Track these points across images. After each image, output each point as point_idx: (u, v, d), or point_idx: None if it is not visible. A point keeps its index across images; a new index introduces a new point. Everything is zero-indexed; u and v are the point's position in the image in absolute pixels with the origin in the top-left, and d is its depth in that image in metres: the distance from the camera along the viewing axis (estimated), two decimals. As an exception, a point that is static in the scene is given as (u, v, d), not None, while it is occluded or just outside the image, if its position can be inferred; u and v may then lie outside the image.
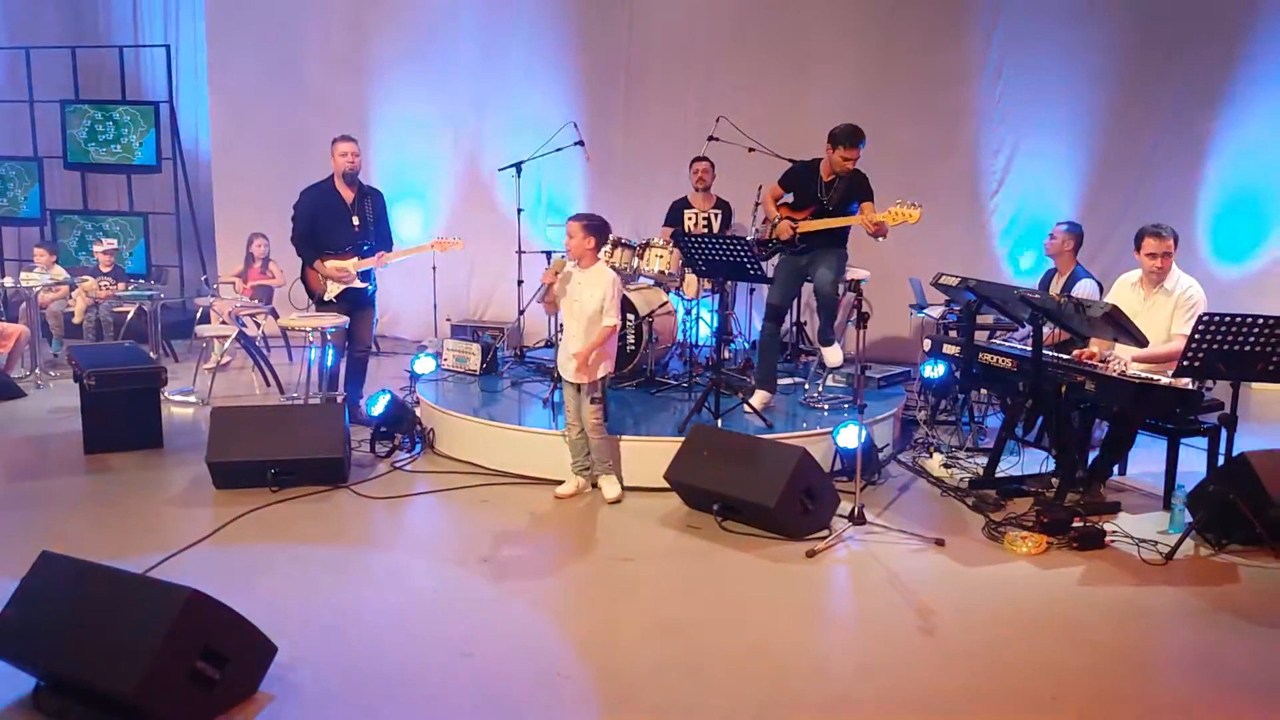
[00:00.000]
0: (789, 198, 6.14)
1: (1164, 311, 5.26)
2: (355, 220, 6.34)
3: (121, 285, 8.50)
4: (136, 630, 3.03)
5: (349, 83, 9.66)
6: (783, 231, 6.04)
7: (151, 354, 7.50)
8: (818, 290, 6.03)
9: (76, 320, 8.61)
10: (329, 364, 6.35)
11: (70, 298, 8.68)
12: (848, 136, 5.78)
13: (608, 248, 6.65)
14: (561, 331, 5.49)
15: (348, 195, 6.34)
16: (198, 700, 3.08)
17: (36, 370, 7.94)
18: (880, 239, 5.86)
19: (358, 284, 6.37)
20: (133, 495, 5.37)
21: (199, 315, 8.80)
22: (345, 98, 9.60)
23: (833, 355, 6.19)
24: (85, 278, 8.67)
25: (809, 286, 6.27)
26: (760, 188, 6.51)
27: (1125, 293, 5.47)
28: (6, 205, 10.46)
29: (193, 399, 7.39)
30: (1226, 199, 8.27)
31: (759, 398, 6.10)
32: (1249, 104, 8.07)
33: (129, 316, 8.69)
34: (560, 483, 5.40)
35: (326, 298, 6.41)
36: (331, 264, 6.31)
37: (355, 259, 6.33)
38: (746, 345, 7.71)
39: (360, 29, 9.64)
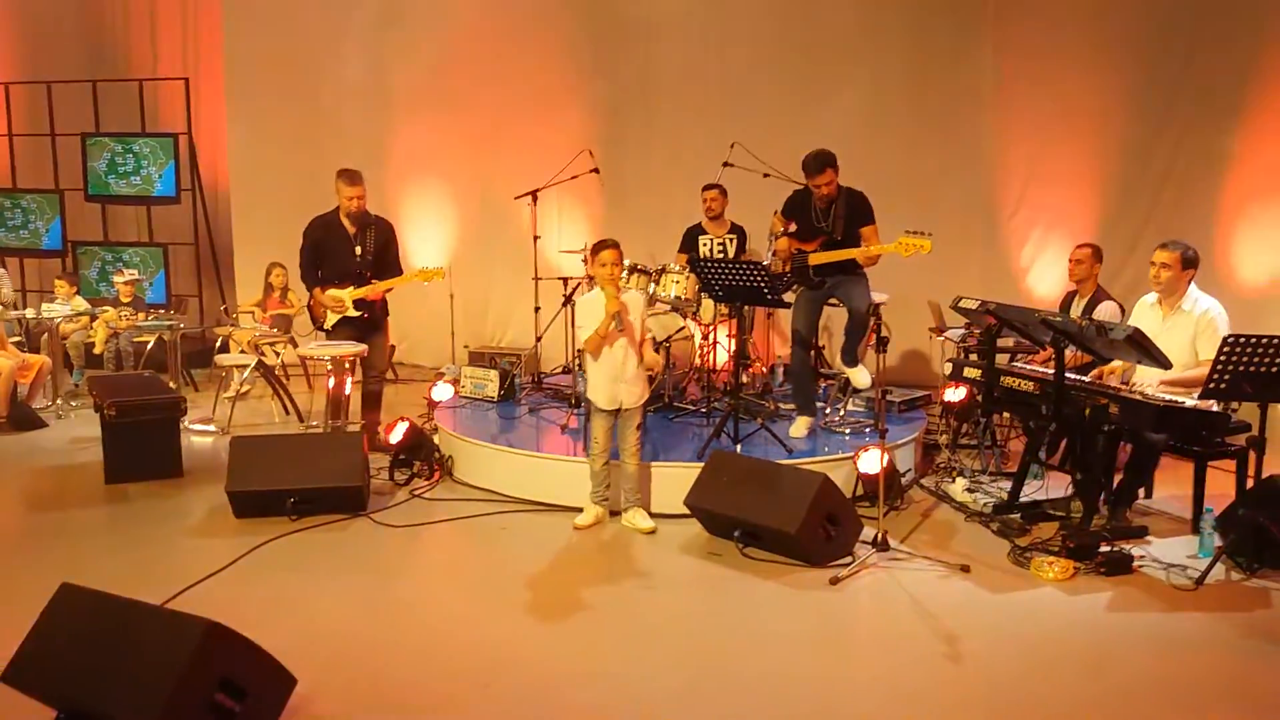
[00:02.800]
0: (793, 228, 6.10)
1: (1184, 332, 5.20)
2: (358, 250, 6.40)
3: (142, 315, 8.54)
4: (155, 662, 3.01)
5: (366, 113, 9.73)
6: (780, 248, 6.00)
7: (171, 384, 7.52)
8: (851, 312, 5.99)
9: (97, 350, 8.66)
10: (345, 391, 6.37)
11: (91, 328, 8.73)
12: (810, 165, 5.74)
13: (624, 273, 6.65)
14: (578, 361, 5.44)
15: (351, 227, 6.42)
16: (217, 733, 3.06)
17: (58, 401, 7.98)
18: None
19: (352, 313, 6.40)
20: (152, 525, 5.37)
21: (218, 345, 8.84)
22: (362, 127, 9.67)
23: (861, 377, 6.12)
24: (106, 308, 8.72)
25: (828, 310, 6.23)
26: (775, 213, 6.49)
27: (1145, 313, 5.43)
28: (28, 237, 10.56)
29: (212, 428, 7.41)
30: (1248, 215, 8.19)
31: (801, 425, 6.06)
32: (1269, 116, 8.01)
33: (149, 346, 8.73)
34: (579, 510, 5.36)
35: (325, 326, 6.49)
36: (329, 294, 6.37)
37: (351, 288, 6.37)
38: (765, 370, 7.67)
39: (377, 60, 9.73)
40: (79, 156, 10.33)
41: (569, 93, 9.37)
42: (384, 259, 6.51)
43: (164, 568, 4.69)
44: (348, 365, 6.37)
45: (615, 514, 5.40)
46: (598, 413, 5.24)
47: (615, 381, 5.18)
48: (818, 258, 5.87)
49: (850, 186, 5.86)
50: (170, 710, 2.91)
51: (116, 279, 9.25)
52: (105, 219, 10.66)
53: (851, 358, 6.15)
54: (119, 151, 10.29)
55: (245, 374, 7.82)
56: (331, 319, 6.45)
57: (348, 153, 8.81)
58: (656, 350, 6.38)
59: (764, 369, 7.68)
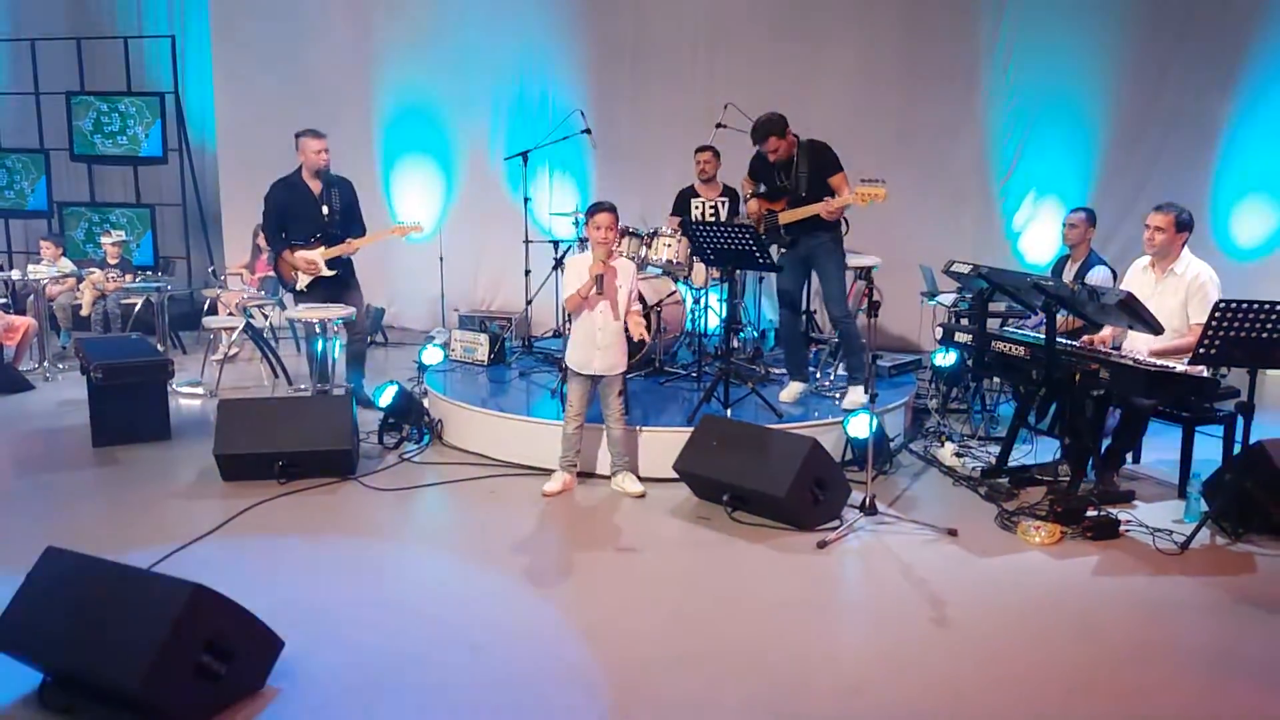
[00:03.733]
0: (763, 189, 6.05)
1: (1175, 296, 5.19)
2: (324, 210, 6.41)
3: (129, 277, 8.48)
4: (141, 625, 3.01)
5: (354, 72, 9.61)
6: (751, 210, 5.98)
7: (159, 346, 7.48)
8: (830, 316, 5.97)
9: (84, 313, 8.60)
10: (333, 354, 6.36)
11: (77, 290, 8.67)
12: (754, 135, 5.71)
13: (619, 238, 6.62)
14: (569, 324, 5.41)
15: (315, 186, 6.43)
16: (204, 694, 3.06)
17: (44, 363, 7.94)
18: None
19: (325, 273, 6.40)
20: (140, 488, 5.35)
21: (206, 307, 8.79)
22: (350, 87, 9.55)
23: (854, 396, 5.84)
24: (92, 270, 8.65)
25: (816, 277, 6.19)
26: (744, 176, 6.43)
27: (1137, 277, 5.41)
28: (13, 198, 10.45)
29: (200, 391, 7.38)
30: (1241, 182, 8.18)
31: (791, 390, 6.05)
32: (1264, 84, 7.97)
33: (136, 308, 8.68)
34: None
35: (298, 288, 6.49)
36: (300, 254, 6.36)
37: (323, 248, 6.37)
38: (755, 334, 7.65)
39: (364, 17, 9.59)
40: (64, 115, 10.20)
41: (560, 52, 9.27)
42: (349, 216, 6.54)
43: (151, 530, 4.68)
44: (335, 327, 6.35)
45: (604, 478, 5.40)
46: (574, 376, 5.24)
47: (590, 346, 5.15)
48: (785, 217, 5.84)
49: (811, 139, 5.79)
50: (157, 672, 2.92)
51: (104, 240, 9.17)
52: (91, 179, 10.55)
53: (857, 374, 5.90)
54: (104, 111, 10.17)
55: (233, 336, 7.78)
56: (303, 280, 6.45)
57: (336, 113, 8.74)
58: (646, 316, 6.36)
59: (755, 333, 7.66)
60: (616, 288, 5.13)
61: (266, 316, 8.15)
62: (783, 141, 5.69)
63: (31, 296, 8.26)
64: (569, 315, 5.40)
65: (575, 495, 5.24)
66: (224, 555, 4.43)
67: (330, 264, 6.42)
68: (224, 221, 10.07)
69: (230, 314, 8.21)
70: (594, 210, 5.12)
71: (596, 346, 5.14)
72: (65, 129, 10.22)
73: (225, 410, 5.49)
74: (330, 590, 4.09)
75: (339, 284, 6.53)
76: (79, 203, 10.43)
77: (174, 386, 6.77)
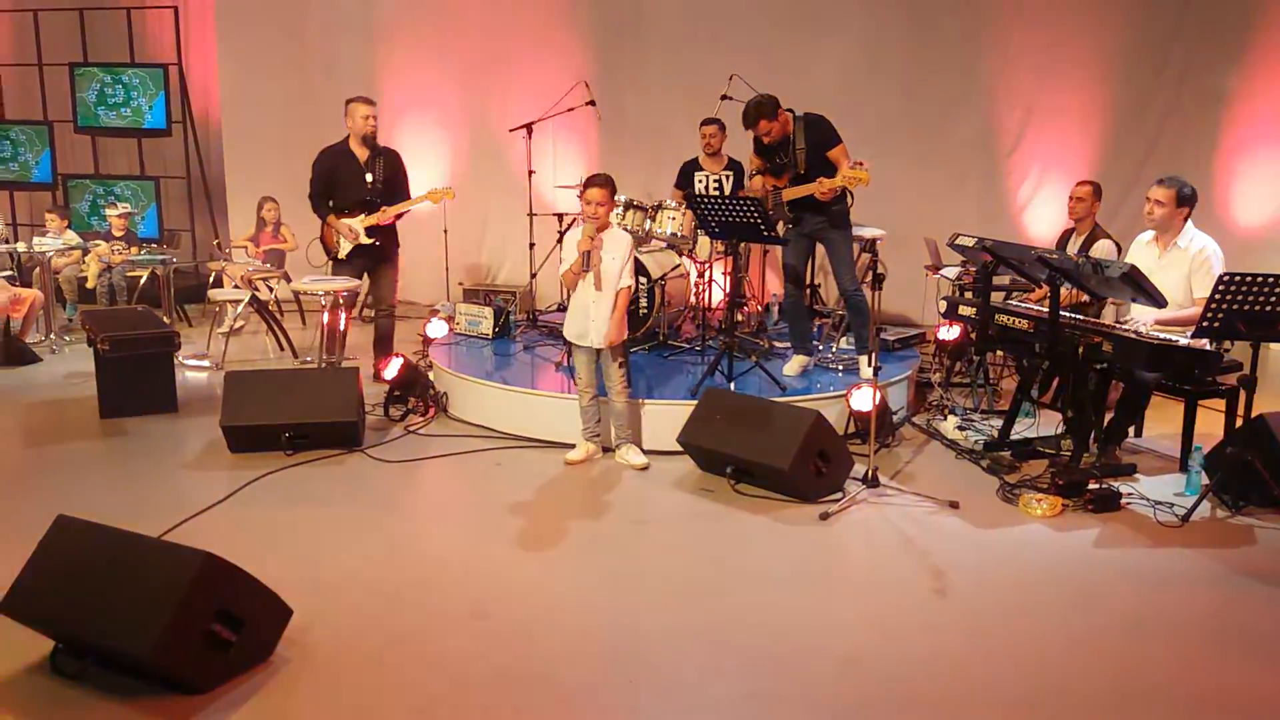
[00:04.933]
0: (764, 165, 6.03)
1: (1178, 269, 5.19)
2: (369, 177, 6.35)
3: (134, 249, 8.49)
4: (152, 593, 3.04)
5: (357, 43, 9.58)
6: (754, 187, 5.98)
7: (165, 318, 7.50)
8: (840, 291, 5.96)
9: (90, 285, 8.62)
10: (340, 326, 6.37)
11: (83, 262, 8.69)
12: (744, 121, 5.69)
13: (619, 209, 6.62)
14: (568, 297, 5.42)
15: (362, 154, 6.37)
16: (213, 662, 3.11)
17: (51, 335, 7.97)
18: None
19: (365, 240, 6.36)
20: (148, 459, 5.40)
21: (212, 279, 8.80)
22: (354, 58, 9.52)
23: (864, 369, 5.90)
24: (98, 242, 8.66)
25: (822, 250, 6.19)
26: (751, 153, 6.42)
27: (1141, 251, 5.42)
28: (18, 170, 10.44)
29: (207, 363, 7.41)
30: (1246, 155, 8.14)
31: (796, 363, 6.07)
32: (1269, 55, 7.92)
33: (142, 281, 8.70)
34: (573, 446, 5.39)
35: (340, 256, 6.46)
36: (343, 221, 6.33)
37: (363, 215, 6.33)
38: (759, 308, 7.66)
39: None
40: (67, 87, 10.18)
41: (564, 23, 9.22)
42: (394, 186, 6.47)
43: (160, 501, 4.72)
44: (342, 300, 6.36)
45: (610, 450, 5.43)
46: (575, 348, 5.28)
47: (584, 319, 5.18)
48: (787, 194, 5.85)
49: (808, 113, 5.77)
50: (168, 639, 2.96)
51: (109, 212, 9.17)
52: (96, 151, 10.54)
53: (862, 344, 6.00)
54: (108, 82, 10.14)
55: (239, 309, 7.80)
56: (345, 247, 6.42)
57: (339, 84, 8.69)
58: (651, 290, 6.37)
59: (759, 307, 7.67)
60: (609, 259, 5.11)
61: (272, 289, 8.17)
62: (774, 124, 5.67)
63: (37, 269, 8.27)
64: (567, 289, 5.41)
65: (579, 468, 5.27)
66: (232, 526, 4.47)
67: (370, 233, 6.37)
68: (229, 194, 10.06)
69: (236, 286, 8.23)
70: (587, 184, 5.12)
71: (590, 318, 5.16)
72: (69, 101, 10.20)
73: (232, 382, 5.52)
74: (337, 560, 4.14)
75: (380, 254, 6.49)
76: (84, 175, 10.43)
77: (180, 359, 6.80)
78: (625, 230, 5.98)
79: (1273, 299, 4.35)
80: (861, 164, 5.45)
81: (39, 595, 3.25)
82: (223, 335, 7.79)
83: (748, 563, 4.16)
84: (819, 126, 5.74)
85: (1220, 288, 4.39)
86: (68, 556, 3.31)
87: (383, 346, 6.66)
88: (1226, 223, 8.03)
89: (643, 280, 6.38)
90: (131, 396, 6.08)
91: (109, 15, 10.29)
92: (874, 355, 5.07)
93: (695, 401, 5.26)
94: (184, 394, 6.39)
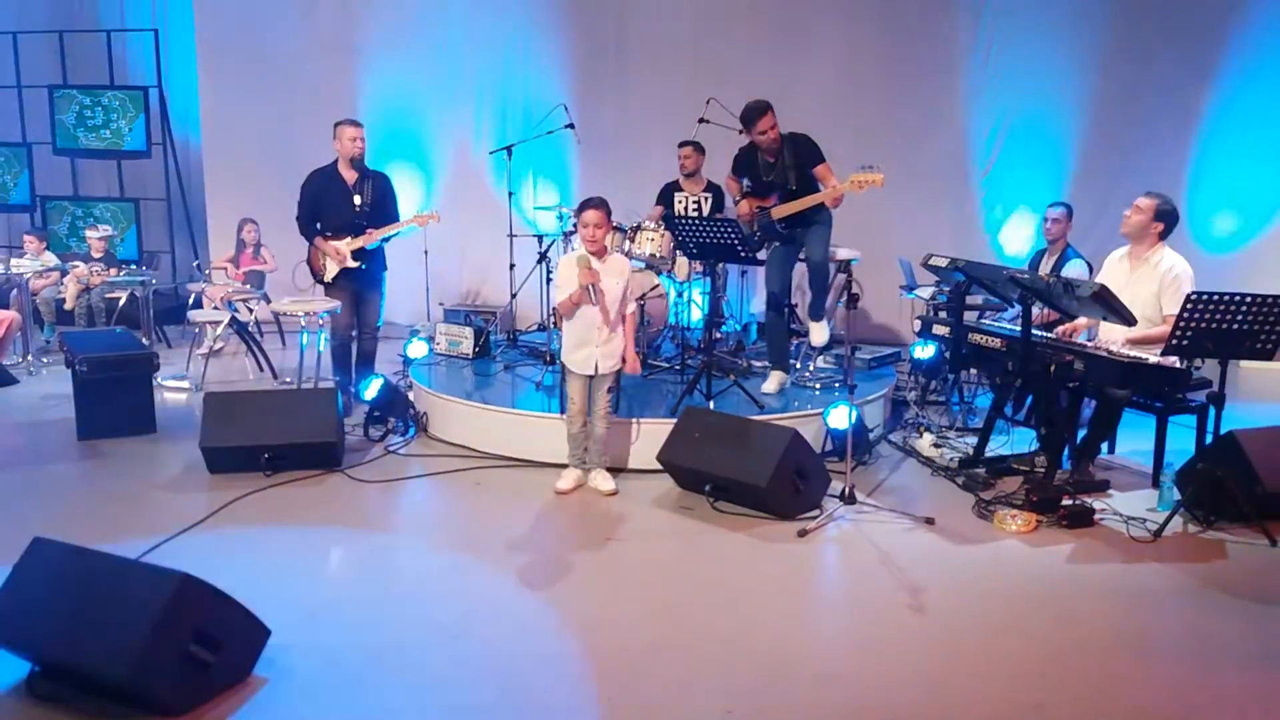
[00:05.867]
0: (748, 185, 6.08)
1: (1148, 286, 5.25)
2: (357, 200, 6.37)
3: (113, 271, 8.47)
4: (129, 614, 3.04)
5: (338, 65, 9.61)
6: (742, 212, 6.03)
7: (144, 340, 7.49)
8: (809, 261, 5.98)
9: (68, 306, 8.59)
10: (318, 348, 6.36)
11: (62, 284, 8.66)
12: (748, 115, 5.74)
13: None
14: (556, 321, 5.39)
15: (350, 177, 6.39)
16: (191, 683, 3.10)
17: (29, 357, 7.93)
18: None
19: (350, 264, 6.37)
20: (126, 480, 5.38)
21: (191, 301, 8.78)
22: (334, 80, 9.54)
23: (819, 333, 6.16)
24: (77, 264, 8.64)
25: (799, 268, 6.25)
26: (727, 175, 6.48)
27: (1113, 266, 5.49)
28: (-4, 191, 10.42)
29: (186, 384, 7.39)
30: (1219, 176, 8.28)
31: (774, 380, 6.12)
32: (1242, 79, 8.07)
33: (121, 302, 8.68)
34: (554, 466, 5.39)
35: (325, 279, 6.46)
36: (331, 244, 6.36)
37: (348, 239, 6.34)
38: (738, 328, 7.71)
39: (348, 11, 9.59)
40: (46, 109, 10.16)
41: (544, 46, 9.29)
42: (382, 209, 6.48)
43: (138, 523, 4.71)
44: (321, 320, 6.37)
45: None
46: (571, 375, 5.13)
47: (588, 345, 5.04)
48: (779, 211, 5.88)
49: (792, 132, 5.85)
50: (145, 661, 2.96)
51: (89, 234, 9.15)
52: (75, 173, 10.52)
53: (818, 311, 6.17)
54: (87, 104, 10.13)
55: (219, 330, 7.79)
56: (331, 270, 6.42)
57: (319, 106, 8.74)
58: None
59: (738, 327, 7.72)
60: (613, 286, 5.01)
61: (251, 310, 8.17)
62: (774, 123, 5.74)
63: (15, 291, 8.24)
64: (557, 311, 5.26)
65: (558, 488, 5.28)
66: (211, 547, 4.46)
67: (357, 255, 6.38)
68: (209, 215, 10.04)
69: (215, 308, 8.22)
70: (583, 207, 4.96)
71: (596, 346, 5.03)
72: (48, 122, 10.18)
73: (211, 403, 5.51)
74: (316, 580, 4.14)
75: (365, 277, 6.47)
76: (63, 197, 10.40)
77: (159, 381, 6.78)
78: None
79: (1240, 317, 4.42)
80: (873, 167, 5.51)
81: (15, 618, 3.23)
82: (202, 356, 7.77)
83: (727, 580, 4.19)
84: (805, 143, 5.83)
85: (1189, 306, 4.46)
86: (44, 579, 3.30)
87: (362, 365, 6.66)
88: (1197, 243, 8.15)
89: (634, 308, 6.38)
90: (110, 418, 6.06)
91: (89, 38, 10.29)
92: (849, 375, 5.12)
93: (674, 420, 5.29)
94: (163, 415, 6.37)
